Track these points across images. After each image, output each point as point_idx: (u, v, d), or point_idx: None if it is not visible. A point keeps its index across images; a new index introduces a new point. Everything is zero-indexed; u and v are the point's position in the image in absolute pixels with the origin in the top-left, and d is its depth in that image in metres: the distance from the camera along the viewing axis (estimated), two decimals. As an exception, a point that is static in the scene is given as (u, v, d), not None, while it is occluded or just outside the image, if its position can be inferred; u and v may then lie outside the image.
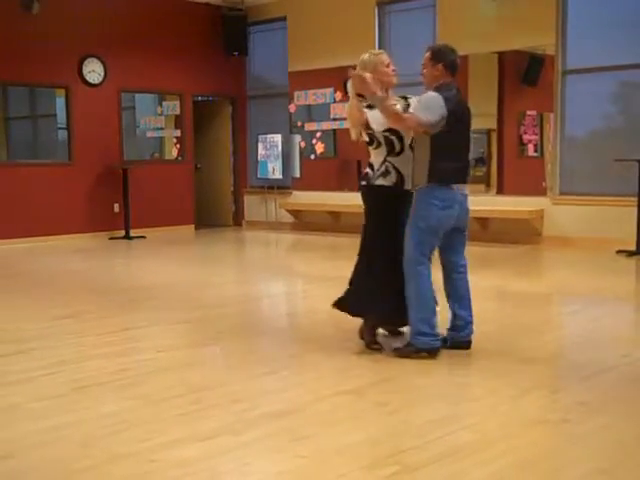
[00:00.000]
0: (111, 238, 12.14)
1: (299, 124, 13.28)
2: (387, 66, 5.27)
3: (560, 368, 4.88)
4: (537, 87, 10.98)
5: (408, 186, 5.02)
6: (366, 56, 5.34)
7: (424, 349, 4.83)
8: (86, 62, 12.02)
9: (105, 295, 7.43)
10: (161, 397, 4.15)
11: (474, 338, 5.06)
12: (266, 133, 13.52)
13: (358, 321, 5.26)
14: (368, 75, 4.98)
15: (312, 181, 13.12)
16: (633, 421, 3.71)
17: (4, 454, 3.38)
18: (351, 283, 5.24)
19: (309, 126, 13.15)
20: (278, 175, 13.30)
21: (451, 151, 4.87)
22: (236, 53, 13.58)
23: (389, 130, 5.02)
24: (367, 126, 5.08)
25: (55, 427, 3.71)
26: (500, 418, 3.79)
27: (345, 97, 12.54)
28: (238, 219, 14.29)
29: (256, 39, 13.91)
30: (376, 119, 5.01)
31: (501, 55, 11.17)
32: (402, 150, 5.06)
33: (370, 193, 5.15)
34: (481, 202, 10.93)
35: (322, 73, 12.77)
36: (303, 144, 13.24)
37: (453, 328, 5.10)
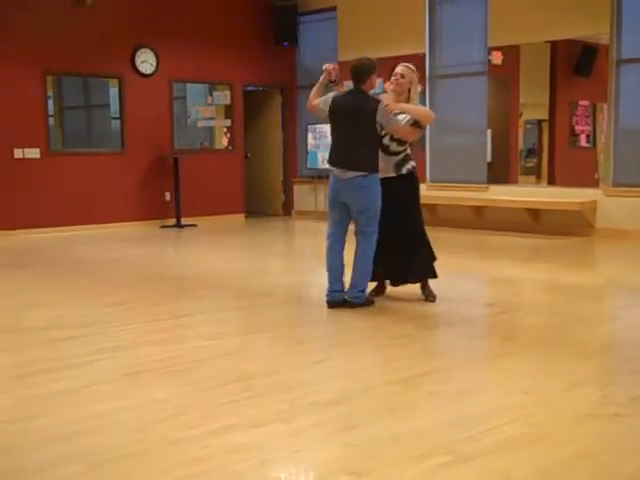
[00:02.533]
0: (162, 226, 12.27)
1: (349, 114, 13.24)
2: (394, 75, 6.23)
3: (612, 362, 4.81)
4: (590, 77, 10.84)
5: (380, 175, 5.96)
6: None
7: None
8: (139, 53, 12.14)
9: (156, 283, 7.52)
10: (212, 384, 4.20)
11: (526, 329, 5.01)
12: (316, 123, 13.51)
13: (408, 312, 5.24)
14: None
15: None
16: (688, 416, 3.66)
17: (60, 438, 3.45)
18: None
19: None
20: (328, 165, 13.26)
21: None
22: (286, 43, 13.60)
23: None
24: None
25: (108, 412, 3.78)
26: (551, 411, 3.76)
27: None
28: (288, 209, 14.33)
29: (306, 29, 13.91)
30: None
31: (554, 44, 11.03)
32: None
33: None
34: (532, 193, 10.85)
35: (372, 63, 12.71)
36: (353, 134, 13.20)
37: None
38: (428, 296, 6.30)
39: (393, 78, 6.20)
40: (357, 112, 5.87)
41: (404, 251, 6.17)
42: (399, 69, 6.26)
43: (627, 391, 4.03)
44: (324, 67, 6.27)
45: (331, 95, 6.07)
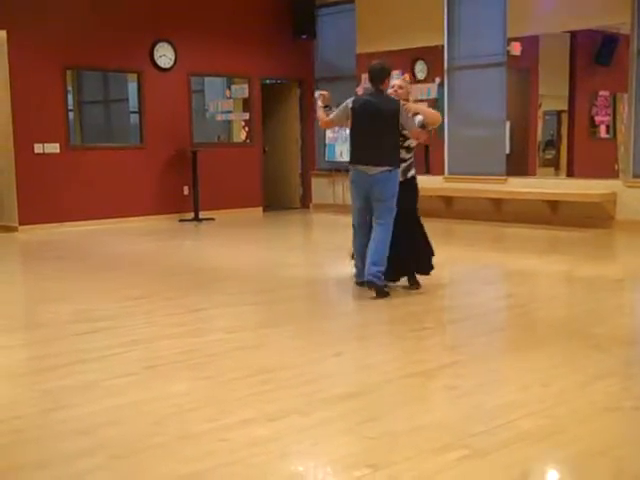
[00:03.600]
0: (181, 220, 12.32)
1: (367, 106, 13.22)
2: (392, 87, 6.54)
3: (632, 355, 4.78)
4: (610, 67, 10.76)
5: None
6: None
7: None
8: (157, 47, 12.17)
9: (175, 276, 7.56)
10: (231, 377, 4.22)
11: (545, 322, 5.00)
12: (334, 116, 13.50)
13: (426, 305, 5.24)
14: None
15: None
16: None
17: (81, 430, 3.48)
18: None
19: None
20: (346, 158, 13.25)
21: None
22: (304, 36, 13.59)
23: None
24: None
25: (129, 404, 3.81)
26: (571, 404, 3.75)
27: (413, 80, 12.49)
28: (306, 202, 14.35)
29: (324, 22, 13.90)
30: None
31: (573, 34, 10.96)
32: None
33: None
34: (551, 185, 10.79)
35: (390, 55, 12.65)
36: (371, 127, 13.19)
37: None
38: (414, 284, 6.58)
39: (392, 90, 6.57)
40: (382, 112, 6.24)
41: (409, 248, 6.51)
42: (397, 82, 6.71)
43: (647, 384, 4.01)
44: (316, 95, 6.88)
45: (350, 100, 6.44)
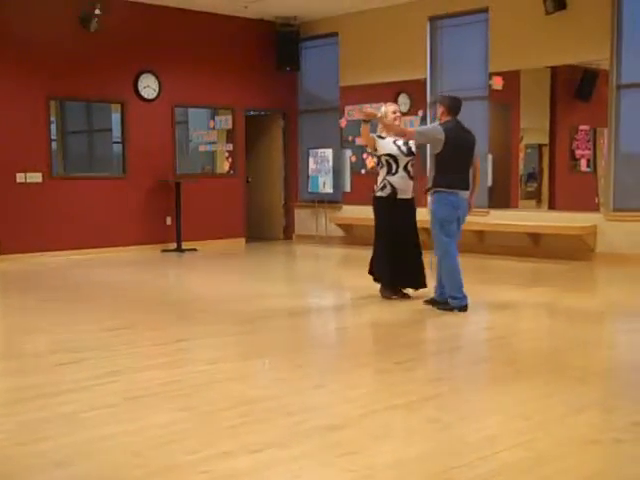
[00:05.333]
0: (163, 250, 12.29)
1: (350, 139, 13.32)
2: (393, 113, 7.41)
3: (614, 387, 4.80)
4: (590, 102, 10.89)
5: (400, 196, 7.36)
6: (382, 108, 7.49)
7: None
8: (141, 78, 12.22)
9: (157, 307, 7.53)
10: (212, 409, 4.19)
11: (526, 354, 5.00)
12: (317, 148, 13.58)
13: (409, 337, 5.23)
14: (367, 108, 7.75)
15: (363, 195, 13.09)
16: (689, 442, 3.64)
17: (60, 462, 3.44)
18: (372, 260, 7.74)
19: (360, 141, 13.17)
20: (329, 189, 13.34)
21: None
22: (288, 68, 13.68)
23: (388, 155, 7.34)
24: (375, 149, 7.39)
25: (109, 436, 3.77)
26: (553, 437, 3.75)
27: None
28: (288, 233, 14.36)
29: (308, 54, 14.01)
30: (381, 145, 7.37)
31: (554, 69, 11.09)
32: (397, 171, 7.35)
33: (374, 201, 7.60)
34: (533, 218, 10.86)
35: (373, 88, 12.81)
36: (354, 158, 13.28)
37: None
38: (405, 295, 7.52)
39: (393, 115, 7.34)
40: (470, 142, 6.99)
41: (417, 262, 7.42)
42: (392, 107, 7.49)
43: (628, 416, 4.02)
44: (364, 110, 7.69)
45: (439, 128, 6.87)
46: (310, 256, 12.54)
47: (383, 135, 7.41)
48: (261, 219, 14.38)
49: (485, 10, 11.41)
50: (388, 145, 7.37)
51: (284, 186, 14.38)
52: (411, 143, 7.37)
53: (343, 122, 13.40)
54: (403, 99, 12.59)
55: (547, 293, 7.98)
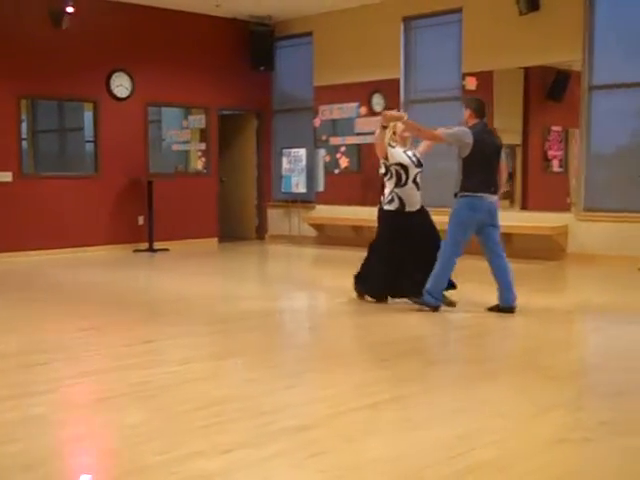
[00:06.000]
0: (135, 250, 12.22)
1: (324, 138, 13.33)
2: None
3: (583, 386, 4.84)
4: (563, 103, 10.96)
5: (409, 209, 7.15)
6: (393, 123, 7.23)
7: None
8: (114, 76, 12.14)
9: (128, 307, 7.48)
10: (183, 409, 4.17)
11: (497, 354, 5.03)
12: (291, 147, 13.57)
13: (381, 337, 5.23)
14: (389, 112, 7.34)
15: (336, 195, 13.14)
16: (656, 441, 3.68)
17: (30, 465, 3.40)
18: (360, 271, 7.47)
19: (333, 140, 13.19)
20: (302, 189, 13.34)
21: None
22: (262, 68, 13.65)
23: (399, 164, 7.12)
24: (386, 157, 7.13)
25: (78, 438, 3.75)
26: (522, 436, 3.77)
27: (369, 112, 12.61)
28: (261, 233, 14.33)
29: (282, 54, 13.99)
30: (392, 154, 7.13)
31: (527, 70, 11.15)
32: (406, 182, 7.14)
33: (380, 214, 7.35)
34: (505, 217, 10.88)
35: (347, 88, 12.83)
36: (327, 158, 13.28)
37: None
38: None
39: (402, 127, 7.12)
40: (497, 146, 6.98)
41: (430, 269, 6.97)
42: (401, 126, 7.16)
43: (597, 415, 4.05)
44: (387, 113, 7.27)
45: (467, 132, 6.72)
46: (283, 256, 12.53)
47: (393, 144, 7.20)
48: (234, 219, 14.34)
49: (459, 10, 11.46)
50: (399, 154, 7.16)
51: (257, 186, 14.36)
52: (419, 155, 7.28)
53: (317, 122, 13.40)
54: (377, 99, 12.62)
55: (518, 293, 8.00)
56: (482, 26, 11.16)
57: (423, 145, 7.48)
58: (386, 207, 7.24)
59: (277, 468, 3.37)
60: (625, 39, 10.16)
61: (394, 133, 7.18)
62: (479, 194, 6.71)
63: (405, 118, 7.03)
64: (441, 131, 6.89)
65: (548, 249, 10.51)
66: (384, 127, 7.06)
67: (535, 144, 11.24)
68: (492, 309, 6.83)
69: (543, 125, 11.17)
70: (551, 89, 11.10)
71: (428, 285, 6.81)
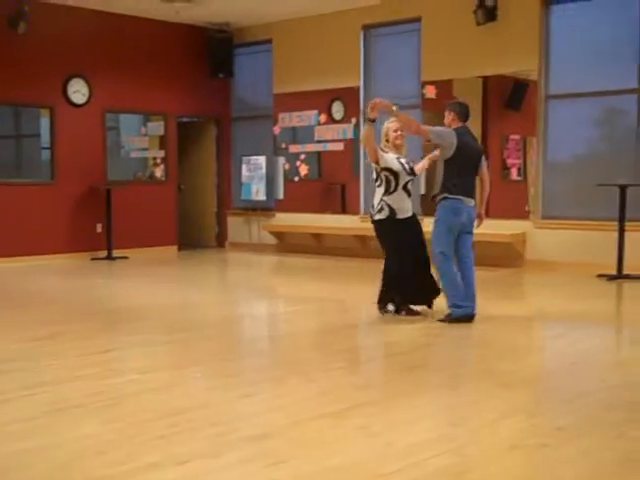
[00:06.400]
0: (93, 259, 12.08)
1: (283, 146, 13.32)
2: (395, 131, 6.93)
3: (540, 392, 4.88)
4: (521, 112, 11.06)
5: (400, 216, 6.85)
6: (385, 124, 7.05)
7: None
8: (71, 82, 12.02)
9: (86, 316, 7.39)
10: (140, 419, 4.12)
11: (456, 361, 5.05)
12: (250, 155, 13.54)
13: (339, 345, 5.22)
14: (379, 100, 6.69)
15: (296, 203, 13.13)
16: (611, 446, 3.71)
17: (-22, 477, 3.34)
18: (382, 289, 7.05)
19: (293, 148, 13.19)
20: (262, 197, 13.31)
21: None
22: (221, 75, 13.61)
23: (389, 170, 6.78)
24: (377, 162, 6.77)
25: (32, 450, 3.67)
26: (480, 442, 3.78)
27: (329, 120, 12.63)
28: (221, 240, 14.27)
29: (241, 61, 13.96)
30: (384, 159, 6.79)
31: (485, 80, 11.25)
32: (395, 189, 6.83)
33: (374, 225, 7.02)
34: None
35: (307, 95, 12.84)
36: (287, 166, 13.27)
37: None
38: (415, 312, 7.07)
39: (395, 134, 6.91)
40: (479, 151, 6.99)
41: (426, 277, 6.98)
42: (393, 125, 6.93)
43: (553, 421, 4.08)
44: (376, 102, 6.67)
45: (452, 133, 6.68)
46: (243, 264, 12.48)
47: (386, 150, 6.92)
48: (194, 226, 14.26)
49: (417, 20, 11.54)
50: (390, 160, 6.85)
51: (217, 193, 14.30)
52: (412, 163, 7.06)
53: (277, 129, 13.38)
54: (337, 106, 12.64)
55: (478, 300, 8.05)
56: (441, 35, 11.25)
57: (421, 164, 7.44)
58: (377, 217, 6.94)
59: (234, 477, 3.34)
60: (581, 49, 10.29)
61: (387, 140, 6.97)
62: (460, 197, 6.71)
63: (394, 109, 6.67)
64: (427, 127, 6.85)
65: (507, 256, 10.60)
66: (371, 121, 6.66)
67: (494, 152, 11.32)
68: (446, 318, 6.79)
69: (502, 134, 11.26)
70: (509, 98, 11.21)
71: (448, 301, 6.78)
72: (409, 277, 6.92)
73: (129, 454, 3.58)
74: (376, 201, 6.93)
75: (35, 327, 6.71)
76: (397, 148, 6.97)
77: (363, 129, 6.88)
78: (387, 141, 6.98)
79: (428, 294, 7.04)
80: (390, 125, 6.97)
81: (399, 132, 6.92)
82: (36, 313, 7.55)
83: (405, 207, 6.93)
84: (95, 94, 12.26)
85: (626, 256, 9.39)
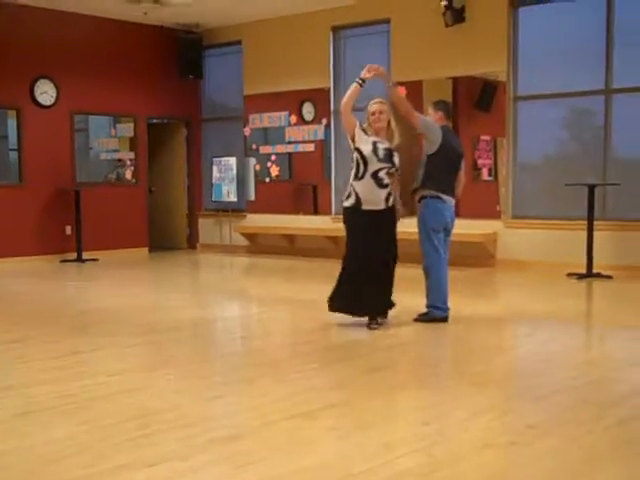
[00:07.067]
0: (62, 261, 11.98)
1: (254, 147, 13.29)
2: (372, 114, 6.39)
3: (510, 391, 4.90)
4: (490, 112, 11.13)
5: (366, 207, 6.28)
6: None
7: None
8: (38, 83, 11.92)
9: (55, 319, 7.32)
10: (109, 422, 4.08)
11: (427, 361, 5.06)
12: (221, 156, 13.50)
13: (310, 346, 5.22)
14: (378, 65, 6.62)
15: (267, 204, 13.11)
16: (580, 443, 3.73)
17: (-56, 482, 3.30)
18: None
19: (264, 149, 13.17)
20: (233, 198, 13.27)
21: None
22: (191, 76, 13.57)
23: (358, 151, 6.25)
24: (352, 137, 6.31)
25: (2, 453, 3.63)
26: (450, 442, 3.79)
27: (300, 121, 12.63)
28: (192, 242, 14.21)
29: (211, 62, 13.93)
30: (358, 138, 6.30)
31: (455, 80, 11.30)
32: (363, 176, 6.26)
33: (342, 212, 6.50)
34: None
35: (277, 96, 12.82)
36: (258, 167, 13.24)
37: None
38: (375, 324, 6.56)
39: (373, 117, 6.37)
40: (461, 151, 6.93)
41: (380, 282, 6.49)
42: (376, 107, 6.41)
43: (523, 419, 4.10)
44: (369, 66, 6.56)
45: (439, 128, 6.62)
46: (214, 265, 12.44)
47: (368, 132, 6.36)
48: (164, 228, 14.19)
49: (387, 21, 11.57)
50: (364, 140, 6.28)
51: (188, 195, 14.25)
52: (395, 153, 6.41)
53: (247, 130, 13.35)
54: (308, 108, 12.64)
55: (449, 299, 8.08)
56: (410, 37, 11.29)
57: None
58: (345, 203, 6.41)
59: (205, 479, 3.32)
60: (549, 50, 10.38)
61: (388, 125, 6.43)
62: (441, 196, 6.64)
63: (391, 84, 6.65)
64: (418, 114, 6.63)
65: (478, 256, 10.65)
66: (361, 83, 6.36)
67: (465, 153, 11.36)
68: (422, 317, 6.82)
69: (472, 134, 11.31)
70: (479, 99, 11.26)
71: (428, 301, 6.75)
72: (348, 280, 6.40)
73: (99, 456, 3.56)
74: (348, 185, 6.44)
75: (2, 330, 6.65)
76: (376, 132, 6.36)
77: (350, 89, 6.43)
78: (369, 123, 6.42)
79: (370, 306, 6.47)
80: (373, 106, 6.43)
81: (376, 115, 6.36)
82: (4, 316, 7.47)
83: (373, 199, 6.28)
84: (63, 95, 12.16)
85: (595, 255, 9.48)
